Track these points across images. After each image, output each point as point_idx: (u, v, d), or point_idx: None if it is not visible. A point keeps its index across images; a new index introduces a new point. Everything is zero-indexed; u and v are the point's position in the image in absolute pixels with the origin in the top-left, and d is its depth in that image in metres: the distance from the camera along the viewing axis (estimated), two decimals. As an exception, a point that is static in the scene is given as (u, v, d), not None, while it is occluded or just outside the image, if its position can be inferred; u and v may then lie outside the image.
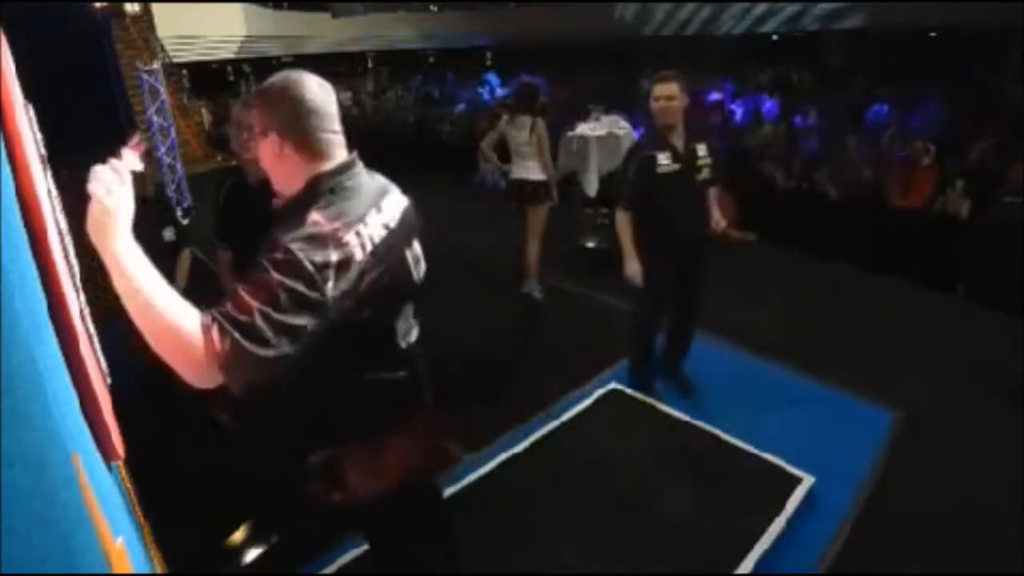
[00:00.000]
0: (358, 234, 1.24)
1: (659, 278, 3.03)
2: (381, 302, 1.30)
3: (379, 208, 1.34)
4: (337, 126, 1.35)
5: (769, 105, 8.74)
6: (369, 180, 1.39)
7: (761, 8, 13.61)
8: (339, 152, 1.35)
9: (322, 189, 1.29)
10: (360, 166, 1.39)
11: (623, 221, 3.00)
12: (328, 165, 1.32)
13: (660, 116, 2.91)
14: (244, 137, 2.27)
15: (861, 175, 5.68)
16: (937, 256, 4.80)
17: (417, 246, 1.46)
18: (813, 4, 12.81)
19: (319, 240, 1.17)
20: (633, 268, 2.97)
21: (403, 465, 1.42)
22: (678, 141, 2.94)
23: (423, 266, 1.47)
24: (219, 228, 2.47)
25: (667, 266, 3.04)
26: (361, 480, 1.40)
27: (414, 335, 1.44)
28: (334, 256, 1.17)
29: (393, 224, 1.35)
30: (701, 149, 3.00)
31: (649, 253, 2.98)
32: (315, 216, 1.21)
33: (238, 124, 2.27)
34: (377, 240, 1.28)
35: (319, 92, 1.31)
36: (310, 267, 1.14)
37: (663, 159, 2.90)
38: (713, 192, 3.14)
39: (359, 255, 1.22)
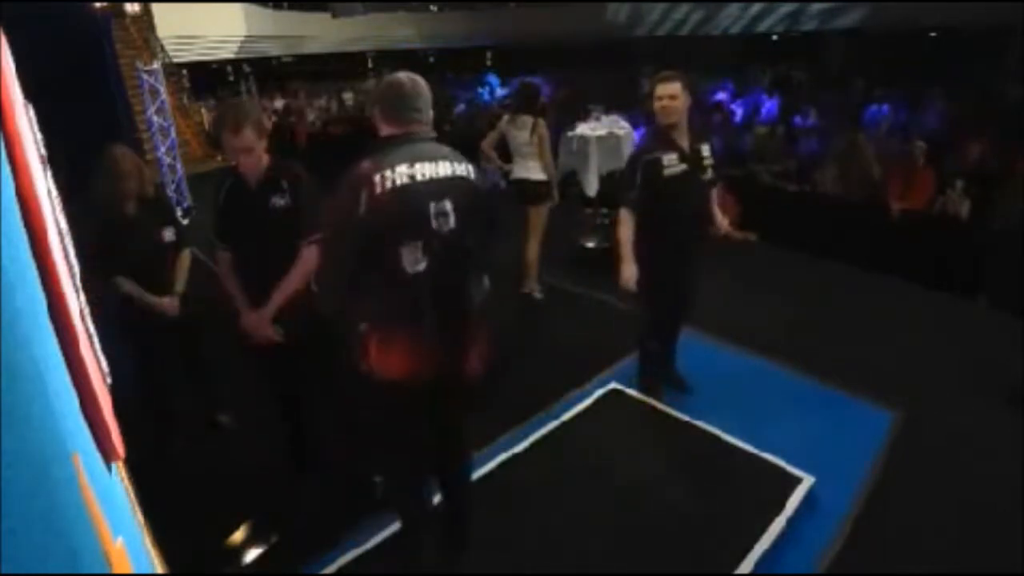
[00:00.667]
0: (382, 176, 1.76)
1: (661, 278, 3.02)
2: (393, 227, 1.78)
3: (411, 164, 1.80)
4: (418, 106, 1.88)
5: (769, 105, 8.74)
6: (421, 146, 1.86)
7: (757, 7, 13.61)
8: (410, 125, 1.87)
9: (380, 145, 1.85)
10: (419, 136, 1.88)
11: (626, 224, 2.94)
12: (394, 131, 1.87)
13: (663, 116, 2.87)
14: (239, 157, 2.30)
15: (861, 175, 5.68)
16: (937, 256, 4.80)
17: (448, 205, 1.83)
18: (811, 3, 12.82)
19: (355, 175, 1.77)
20: (629, 273, 2.91)
21: (408, 361, 1.89)
22: (683, 141, 2.90)
23: (450, 223, 1.83)
24: (218, 228, 2.47)
25: (669, 266, 3.02)
26: (378, 356, 1.89)
27: (421, 268, 1.82)
28: (361, 186, 1.75)
29: (420, 178, 1.80)
30: (705, 149, 2.97)
31: (652, 254, 2.96)
32: (363, 160, 1.80)
33: (228, 144, 2.30)
34: (398, 183, 1.76)
35: (405, 83, 1.88)
36: (349, 194, 1.76)
37: (669, 160, 2.85)
38: (715, 193, 3.14)
39: (378, 189, 1.74)
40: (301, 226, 2.34)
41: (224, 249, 2.47)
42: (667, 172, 2.86)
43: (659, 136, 2.94)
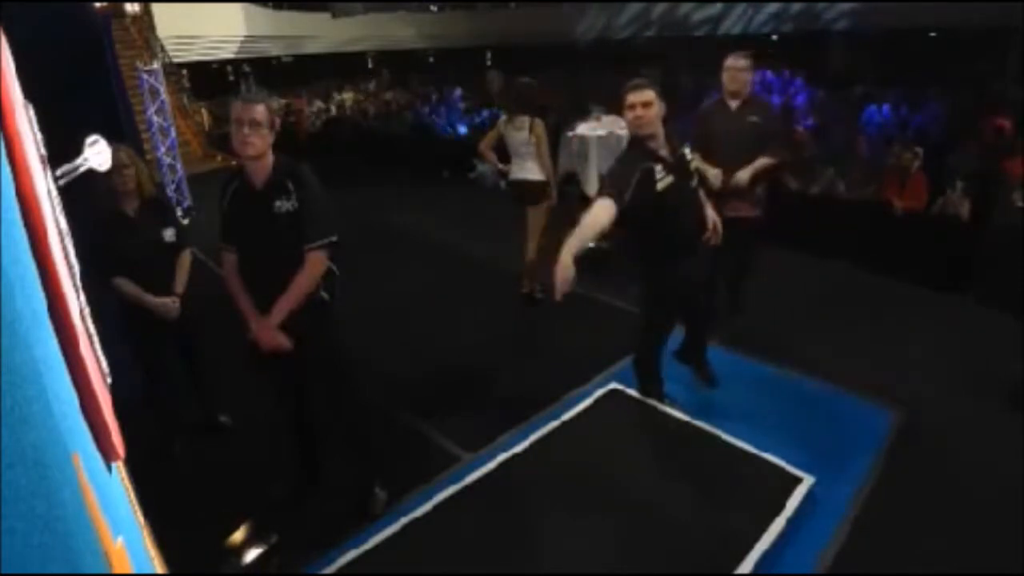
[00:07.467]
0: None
1: (672, 288, 2.95)
2: None
3: None
4: None
5: (769, 105, 8.73)
6: None
7: (759, 8, 13.62)
8: None
9: None
10: None
11: (604, 211, 2.50)
12: None
13: (638, 126, 2.65)
14: (244, 132, 2.24)
15: (860, 175, 5.68)
16: (938, 256, 4.79)
17: None
18: (811, 4, 12.82)
19: None
20: (565, 262, 2.34)
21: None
22: (664, 151, 2.74)
23: None
24: (223, 229, 2.45)
25: (678, 276, 2.92)
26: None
27: None
28: None
29: None
30: (687, 152, 2.86)
31: (658, 266, 2.90)
32: None
33: (238, 121, 2.25)
34: None
35: None
36: None
37: (658, 172, 2.68)
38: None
39: None
40: (306, 231, 2.31)
41: (228, 251, 2.44)
42: (660, 187, 2.68)
43: (640, 148, 2.69)
